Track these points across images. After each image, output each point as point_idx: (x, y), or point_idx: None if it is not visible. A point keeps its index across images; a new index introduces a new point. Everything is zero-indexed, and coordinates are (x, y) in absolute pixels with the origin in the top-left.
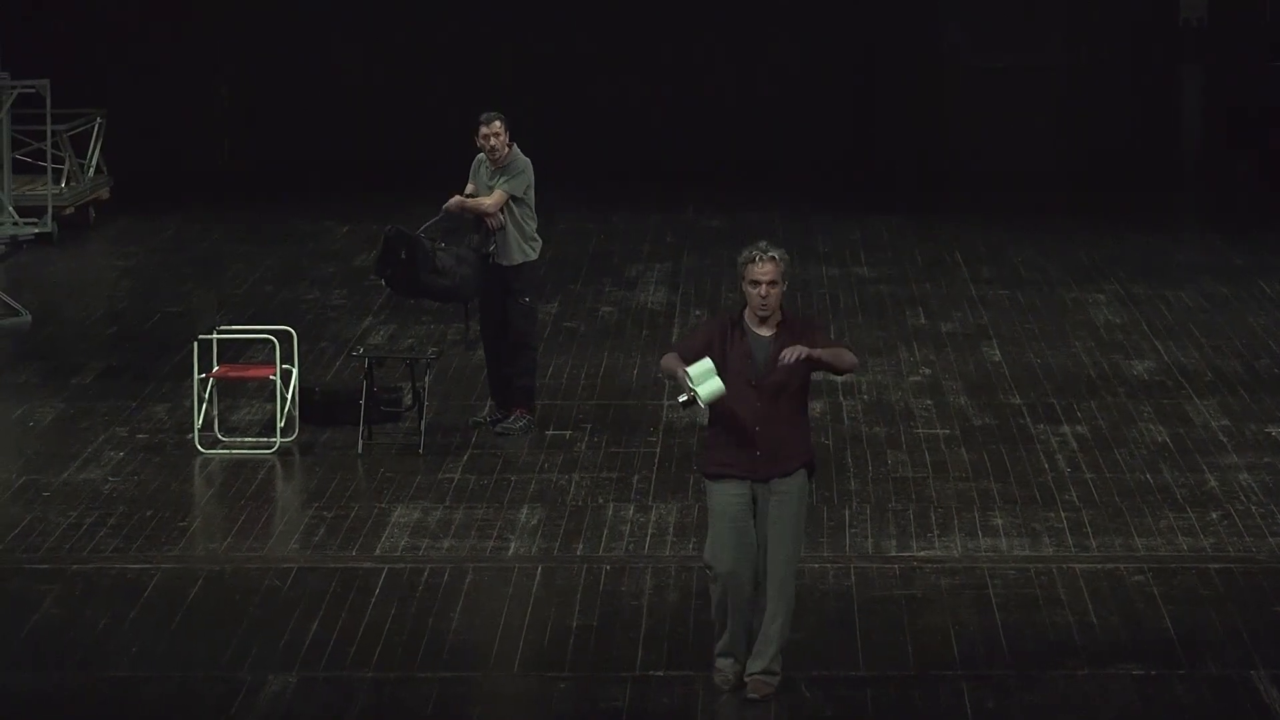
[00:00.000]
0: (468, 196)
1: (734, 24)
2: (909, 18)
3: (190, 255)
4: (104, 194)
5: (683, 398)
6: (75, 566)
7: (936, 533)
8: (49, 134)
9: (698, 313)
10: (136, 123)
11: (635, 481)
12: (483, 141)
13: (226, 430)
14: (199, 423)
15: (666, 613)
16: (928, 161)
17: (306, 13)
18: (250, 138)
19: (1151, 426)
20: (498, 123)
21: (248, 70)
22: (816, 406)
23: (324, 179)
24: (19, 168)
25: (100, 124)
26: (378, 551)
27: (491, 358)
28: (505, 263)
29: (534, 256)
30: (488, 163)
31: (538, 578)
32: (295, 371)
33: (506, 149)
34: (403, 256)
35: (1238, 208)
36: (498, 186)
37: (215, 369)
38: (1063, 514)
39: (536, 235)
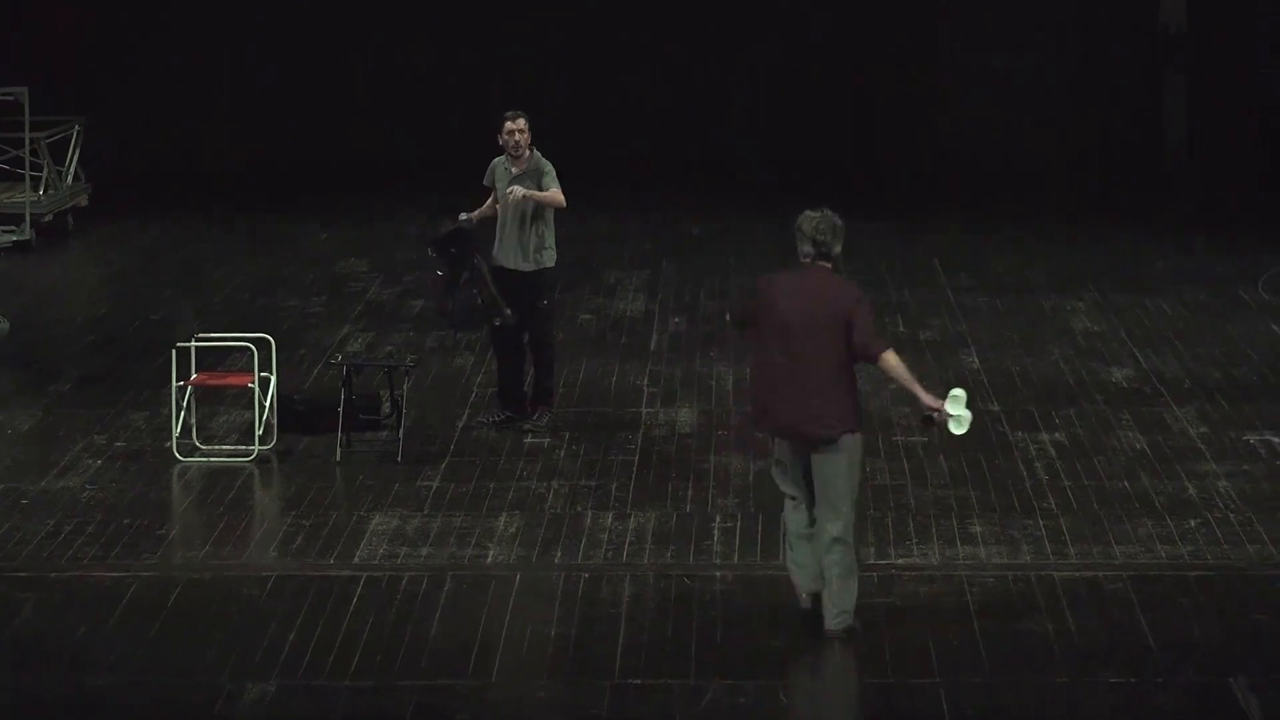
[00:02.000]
0: (489, 201)
1: (719, 26)
2: (896, 25)
3: (168, 262)
4: (82, 201)
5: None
6: (54, 574)
7: (915, 540)
8: (27, 142)
9: (676, 320)
10: (115, 130)
11: (614, 489)
12: (506, 137)
13: (205, 438)
14: (177, 430)
15: (645, 621)
16: (907, 167)
17: (287, 19)
18: (230, 144)
19: (1130, 434)
20: (523, 119)
21: (228, 76)
22: None
23: (303, 185)
24: None
25: (78, 132)
26: (356, 559)
27: (506, 363)
28: (527, 269)
29: (550, 264)
30: (506, 163)
31: (516, 586)
32: (273, 379)
33: (529, 149)
34: (452, 251)
35: (1218, 214)
36: (546, 188)
37: (194, 376)
38: (1041, 522)
39: (554, 245)
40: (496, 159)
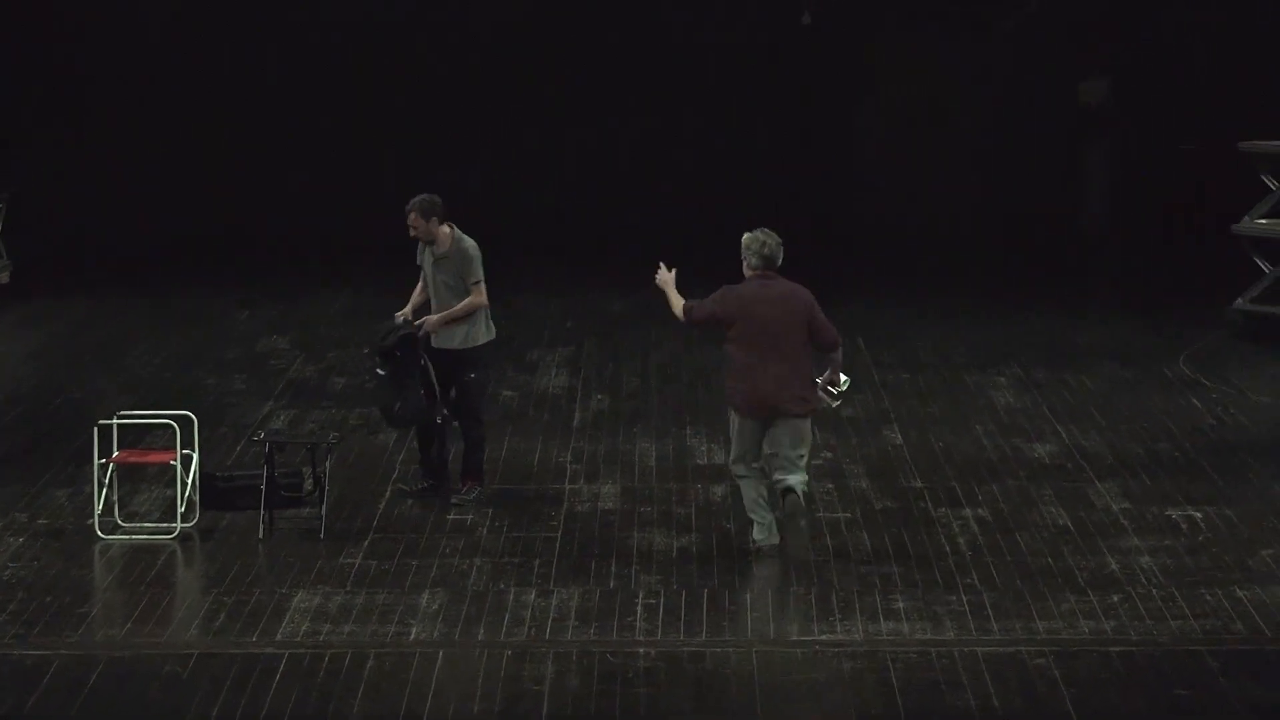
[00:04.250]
0: (420, 286)
1: (639, 107)
2: (815, 99)
3: (91, 340)
4: (4, 278)
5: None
6: None
7: (838, 616)
8: None
9: (599, 396)
10: (37, 207)
11: (537, 566)
12: (409, 229)
13: (127, 516)
14: (99, 508)
15: (568, 698)
16: (829, 244)
17: (205, 98)
18: (151, 223)
19: (1053, 509)
20: (413, 213)
21: (149, 155)
22: (717, 491)
23: (224, 263)
24: None
25: (0, 209)
26: (279, 637)
27: (426, 437)
28: (457, 347)
29: (483, 341)
30: (430, 246)
31: (439, 663)
32: (196, 457)
33: (437, 233)
34: (398, 355)
35: (1139, 289)
36: (471, 282)
37: (116, 454)
38: (964, 597)
39: (489, 320)
40: None
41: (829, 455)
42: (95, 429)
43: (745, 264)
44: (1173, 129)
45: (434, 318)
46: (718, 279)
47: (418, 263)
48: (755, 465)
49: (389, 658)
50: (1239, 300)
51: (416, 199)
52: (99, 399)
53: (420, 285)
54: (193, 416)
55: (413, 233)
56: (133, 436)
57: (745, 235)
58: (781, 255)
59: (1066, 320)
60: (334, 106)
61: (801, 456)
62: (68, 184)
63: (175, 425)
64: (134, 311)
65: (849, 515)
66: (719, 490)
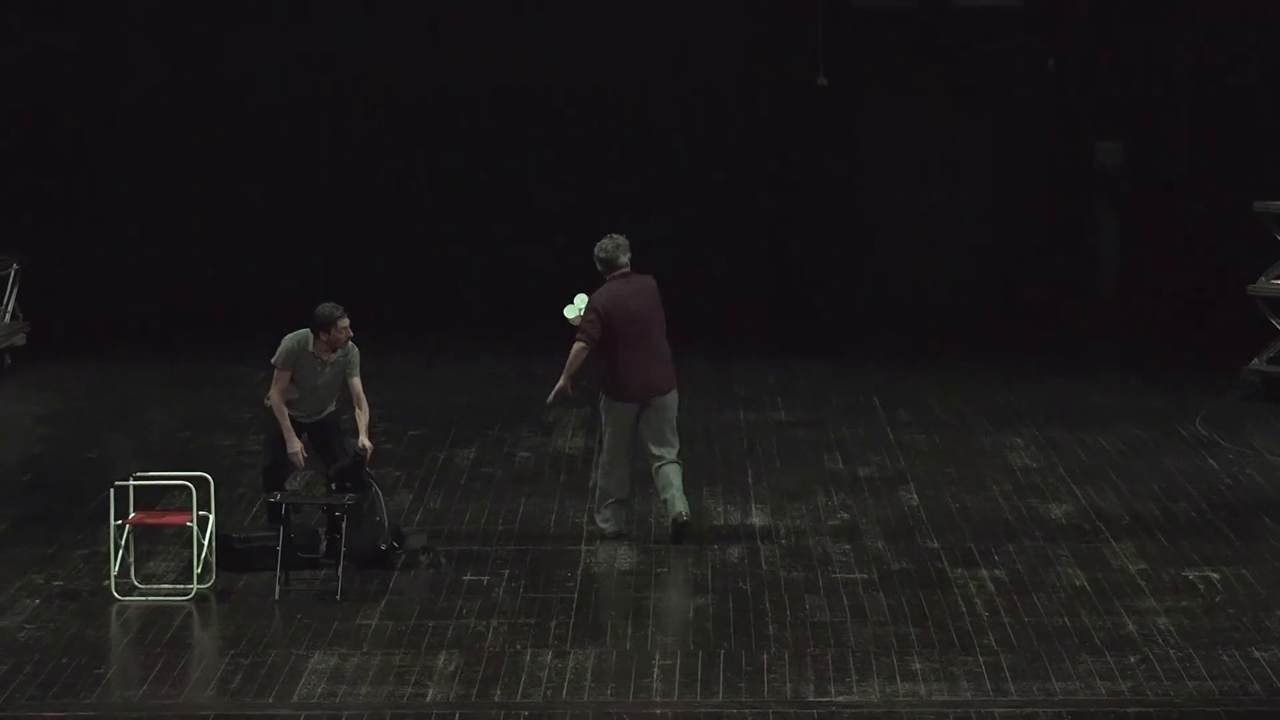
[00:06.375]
0: (288, 384)
1: (647, 166)
2: (828, 159)
3: (107, 401)
4: (19, 341)
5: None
6: None
7: (855, 677)
8: None
9: None
10: (52, 270)
11: (553, 627)
12: (339, 334)
13: (143, 577)
14: (115, 569)
15: None
16: (845, 305)
17: (216, 162)
18: (166, 285)
19: (1069, 570)
20: (348, 321)
21: (160, 214)
22: (734, 551)
23: (239, 325)
24: None
25: (15, 271)
26: (295, 698)
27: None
28: (333, 409)
29: None
30: (315, 350)
31: None
32: (212, 518)
33: None
34: (348, 485)
35: (1153, 350)
36: (354, 376)
37: (132, 515)
38: (981, 658)
39: None
40: (296, 341)
41: (845, 516)
42: (112, 490)
43: (611, 266)
44: (1187, 189)
45: (366, 439)
46: (728, 351)
47: (287, 367)
48: (619, 470)
49: (405, 719)
50: (1255, 361)
51: (340, 308)
52: (115, 461)
53: (281, 402)
54: (209, 478)
55: (351, 333)
56: (149, 498)
57: (599, 246)
58: (623, 253)
59: (1082, 381)
60: (347, 171)
61: (673, 427)
62: (81, 248)
63: (192, 486)
64: (149, 374)
65: (866, 576)
66: (735, 551)
